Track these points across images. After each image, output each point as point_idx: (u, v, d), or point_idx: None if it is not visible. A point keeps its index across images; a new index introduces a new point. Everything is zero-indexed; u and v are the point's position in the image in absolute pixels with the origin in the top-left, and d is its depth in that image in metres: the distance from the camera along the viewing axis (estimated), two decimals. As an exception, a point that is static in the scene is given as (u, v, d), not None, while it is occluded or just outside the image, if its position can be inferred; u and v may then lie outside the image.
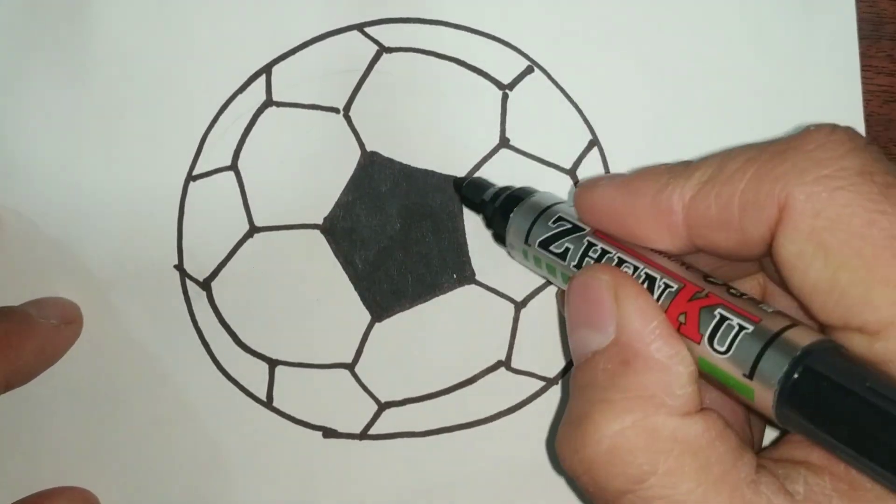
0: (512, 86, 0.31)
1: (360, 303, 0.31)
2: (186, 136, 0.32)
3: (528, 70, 0.31)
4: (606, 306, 0.22)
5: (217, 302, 0.31)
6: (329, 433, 0.31)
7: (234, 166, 0.32)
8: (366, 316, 0.31)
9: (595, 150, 0.31)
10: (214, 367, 0.31)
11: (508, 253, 0.28)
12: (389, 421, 0.31)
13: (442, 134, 0.31)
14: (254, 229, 0.31)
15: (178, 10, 0.32)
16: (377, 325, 0.31)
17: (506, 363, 0.31)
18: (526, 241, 0.26)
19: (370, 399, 0.31)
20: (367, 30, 0.32)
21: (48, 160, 0.32)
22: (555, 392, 0.31)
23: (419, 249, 0.31)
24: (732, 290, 0.21)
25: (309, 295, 0.31)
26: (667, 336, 0.21)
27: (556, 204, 0.26)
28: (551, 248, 0.25)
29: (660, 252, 0.23)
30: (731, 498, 0.20)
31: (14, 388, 0.30)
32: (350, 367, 0.31)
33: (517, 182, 0.31)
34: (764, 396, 0.19)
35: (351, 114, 0.32)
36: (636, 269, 0.23)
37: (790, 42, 0.31)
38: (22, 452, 0.31)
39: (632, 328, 0.21)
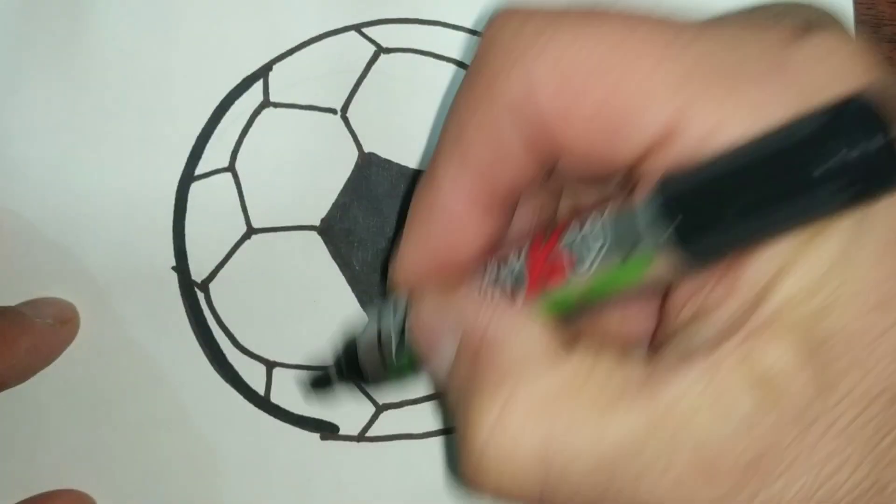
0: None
1: (358, 304, 0.31)
2: (184, 138, 0.32)
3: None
4: (435, 325, 0.21)
5: (215, 303, 0.31)
6: (327, 435, 0.31)
7: (231, 168, 0.32)
8: (364, 318, 0.31)
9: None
10: (212, 369, 0.31)
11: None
12: (387, 423, 0.31)
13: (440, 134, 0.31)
14: (251, 230, 0.31)
15: (176, 11, 0.32)
16: (375, 326, 0.31)
17: (504, 365, 0.31)
18: (386, 366, 0.24)
19: (368, 401, 0.31)
20: (364, 30, 0.32)
21: (45, 161, 0.32)
22: (553, 394, 0.31)
23: (417, 251, 0.31)
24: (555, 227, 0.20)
25: (306, 296, 0.31)
26: (502, 312, 0.20)
27: (373, 321, 0.25)
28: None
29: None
30: (634, 408, 0.18)
31: (8, 388, 0.30)
32: (348, 368, 0.31)
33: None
34: (660, 252, 0.18)
35: (348, 115, 0.31)
36: (483, 275, 0.21)
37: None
38: (18, 453, 0.31)
39: (467, 323, 0.20)
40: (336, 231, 0.31)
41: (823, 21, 0.18)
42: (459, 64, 0.31)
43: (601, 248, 0.18)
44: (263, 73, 0.32)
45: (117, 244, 0.31)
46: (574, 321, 0.20)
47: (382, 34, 0.32)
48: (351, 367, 0.26)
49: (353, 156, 0.31)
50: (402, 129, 0.31)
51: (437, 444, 0.31)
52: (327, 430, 0.31)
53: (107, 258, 0.31)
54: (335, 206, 0.31)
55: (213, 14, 0.32)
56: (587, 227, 0.19)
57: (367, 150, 0.31)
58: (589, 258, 0.19)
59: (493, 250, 0.22)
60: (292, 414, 0.31)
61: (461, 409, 0.20)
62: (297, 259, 0.31)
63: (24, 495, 0.30)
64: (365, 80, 0.32)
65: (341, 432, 0.31)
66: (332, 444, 0.31)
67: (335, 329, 0.31)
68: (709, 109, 0.17)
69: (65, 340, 0.31)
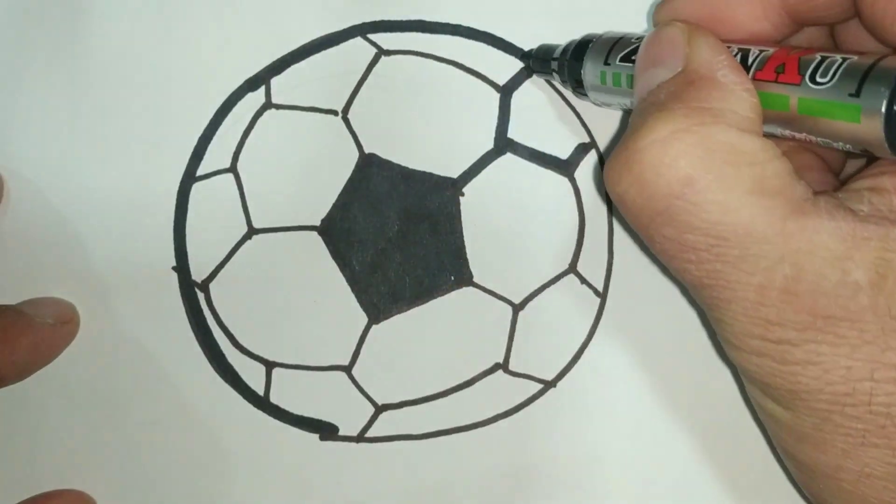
0: (510, 88, 0.31)
1: (358, 305, 0.31)
2: (185, 138, 0.32)
3: (527, 73, 0.31)
4: (678, 43, 0.22)
5: (215, 303, 0.31)
6: (326, 435, 0.31)
7: (233, 168, 0.32)
8: (363, 318, 0.31)
9: (593, 151, 0.31)
10: (212, 369, 0.31)
11: (589, 99, 0.28)
12: (387, 423, 0.31)
13: (440, 136, 0.31)
14: (252, 231, 0.31)
15: (177, 12, 0.32)
16: (374, 327, 0.31)
17: (503, 366, 0.31)
18: (605, 63, 0.26)
19: (367, 401, 0.31)
20: (365, 32, 0.32)
21: (46, 161, 0.32)
22: (553, 395, 0.30)
23: (417, 251, 0.31)
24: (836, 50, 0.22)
25: (306, 297, 0.31)
26: (733, 67, 0.21)
27: (629, 33, 0.27)
28: (633, 58, 0.25)
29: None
30: (788, 208, 0.20)
31: (8, 384, 0.30)
32: (347, 369, 0.31)
33: (517, 184, 0.31)
34: (871, 111, 0.19)
35: (349, 116, 0.32)
36: (728, 47, 0.23)
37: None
38: (18, 452, 0.31)
39: (700, 58, 0.22)
40: (336, 231, 0.31)
41: None
42: (460, 66, 0.32)
43: (832, 77, 0.20)
44: (265, 74, 0.32)
45: (118, 244, 0.31)
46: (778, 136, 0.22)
47: (383, 36, 0.32)
48: (575, 53, 0.28)
49: (354, 156, 0.31)
50: (402, 131, 0.31)
51: (436, 444, 0.30)
52: (327, 431, 0.31)
53: (107, 258, 0.31)
54: (335, 206, 0.31)
55: (214, 15, 0.32)
56: (833, 59, 0.20)
57: (367, 150, 0.31)
58: (818, 81, 0.20)
59: (759, 43, 0.23)
60: (292, 414, 0.31)
61: (646, 115, 0.21)
62: (298, 259, 0.31)
63: (25, 495, 0.30)
64: (366, 82, 0.32)
65: (341, 433, 0.31)
66: (331, 445, 0.31)
67: (335, 329, 0.31)
68: None
69: (65, 340, 0.31)
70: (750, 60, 0.22)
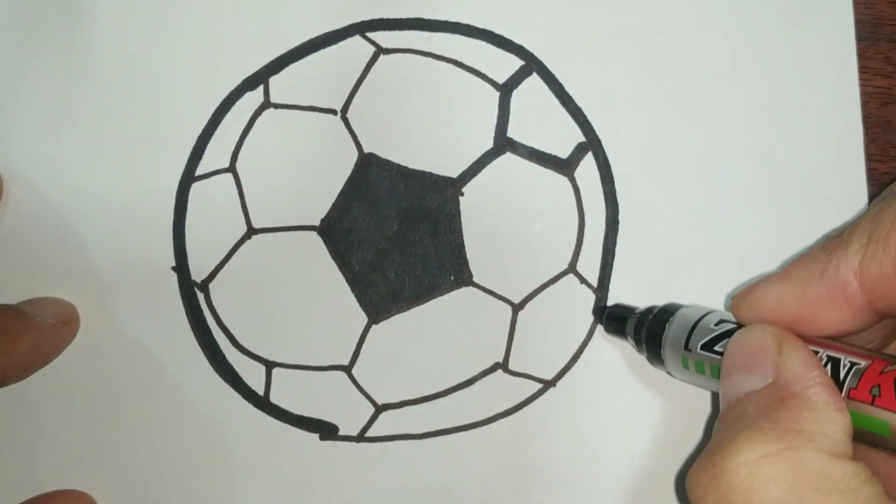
0: (510, 87, 0.31)
1: (357, 304, 0.31)
2: (184, 138, 0.32)
3: (526, 71, 0.31)
4: (768, 352, 0.22)
5: (215, 303, 0.31)
6: (326, 435, 0.31)
7: (232, 168, 0.32)
8: (363, 318, 0.31)
9: (592, 151, 0.31)
10: (212, 369, 0.31)
11: (667, 371, 0.27)
12: (387, 423, 0.31)
13: (440, 135, 0.31)
14: (252, 231, 0.31)
15: (176, 12, 0.32)
16: (374, 327, 0.31)
17: (503, 365, 0.31)
18: (686, 348, 0.25)
19: (367, 401, 0.31)
20: (364, 31, 0.32)
21: (46, 161, 0.32)
22: (552, 394, 0.30)
23: (416, 251, 0.31)
24: None
25: (306, 297, 0.31)
26: (827, 385, 0.21)
27: (710, 312, 0.26)
28: (716, 348, 0.25)
29: (836, 338, 0.23)
30: None
31: (9, 384, 0.30)
32: (347, 369, 0.31)
33: (517, 184, 0.31)
34: None
35: (348, 115, 0.32)
36: (816, 353, 0.22)
37: (788, 43, 0.31)
38: (18, 452, 0.31)
39: (792, 372, 0.21)
40: (336, 231, 0.31)
41: None
42: (458, 64, 0.31)
43: None
44: (264, 73, 0.32)
45: (117, 244, 0.31)
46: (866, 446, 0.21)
47: (382, 34, 0.32)
48: (651, 328, 0.27)
49: (353, 156, 0.31)
50: (401, 130, 0.31)
51: (435, 444, 0.31)
52: (327, 431, 0.31)
53: (107, 258, 0.31)
54: (335, 206, 0.31)
55: (213, 15, 0.32)
56: None
57: (367, 150, 0.31)
58: None
59: (844, 334, 0.23)
60: (292, 414, 0.31)
61: (734, 429, 0.21)
62: (297, 259, 0.31)
63: (25, 495, 0.30)
64: (365, 81, 0.32)
65: (341, 432, 0.31)
66: (331, 444, 0.31)
67: (335, 329, 0.31)
68: None
69: (65, 340, 0.31)
70: (842, 375, 0.21)
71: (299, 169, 0.31)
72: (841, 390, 0.21)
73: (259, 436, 0.31)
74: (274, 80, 0.32)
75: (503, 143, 0.31)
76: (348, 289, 0.31)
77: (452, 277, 0.31)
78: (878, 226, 0.21)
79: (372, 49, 0.32)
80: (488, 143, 0.31)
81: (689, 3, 0.31)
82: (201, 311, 0.31)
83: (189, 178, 0.32)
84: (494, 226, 0.31)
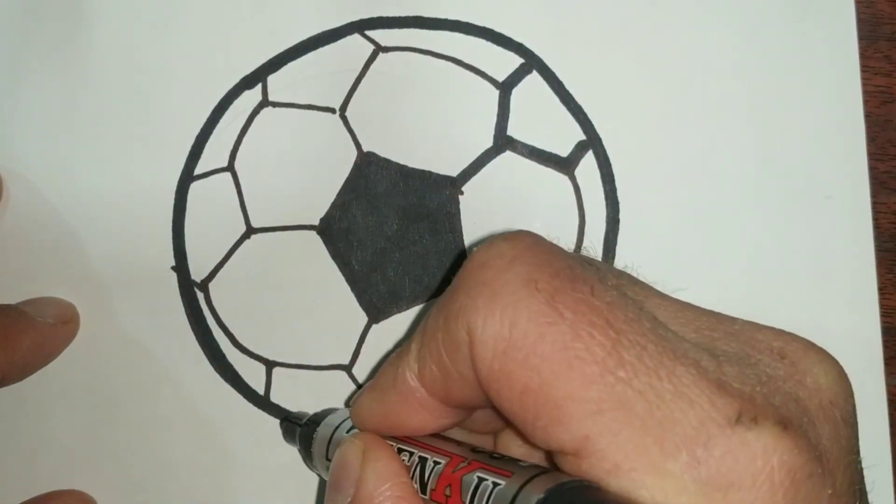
0: (509, 85, 0.31)
1: (357, 304, 0.31)
2: (183, 137, 0.32)
3: (526, 69, 0.31)
4: (352, 469, 0.22)
5: (214, 303, 0.31)
6: (327, 434, 0.31)
7: (230, 167, 0.32)
8: (363, 317, 0.31)
9: (592, 149, 0.31)
10: (212, 369, 0.31)
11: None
12: (387, 422, 0.31)
13: (439, 134, 0.31)
14: (251, 230, 0.31)
15: (175, 11, 0.32)
16: (374, 326, 0.31)
17: (503, 364, 0.31)
18: (327, 458, 0.26)
19: (368, 400, 0.31)
20: (363, 29, 0.32)
21: (45, 161, 0.32)
22: (552, 392, 0.31)
23: (416, 250, 0.31)
24: (496, 455, 0.21)
25: (306, 296, 0.31)
26: (399, 497, 0.21)
27: (345, 420, 0.26)
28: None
29: (439, 436, 0.23)
30: None
31: (9, 384, 0.30)
32: (347, 368, 0.31)
33: (517, 182, 0.31)
34: None
35: (347, 114, 0.31)
36: (411, 454, 0.23)
37: (789, 42, 0.31)
38: (18, 452, 0.31)
39: (367, 487, 0.21)
40: (335, 230, 0.31)
41: (779, 412, 0.17)
42: (458, 62, 0.31)
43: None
44: (262, 72, 0.32)
45: (117, 244, 0.31)
46: None
47: (381, 33, 0.32)
48: (302, 442, 0.28)
49: (352, 155, 0.31)
50: (400, 128, 0.31)
51: (436, 443, 0.31)
52: (327, 430, 0.31)
53: (107, 258, 0.31)
54: (334, 205, 0.31)
55: (211, 14, 0.32)
56: (486, 484, 0.20)
57: (365, 149, 0.31)
58: None
59: (440, 430, 0.23)
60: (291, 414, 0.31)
61: None
62: (297, 258, 0.31)
63: (25, 495, 0.30)
64: (364, 79, 0.31)
65: (341, 432, 0.31)
66: (331, 444, 0.31)
67: (335, 328, 0.31)
68: (612, 451, 0.17)
69: (65, 339, 0.31)
70: (426, 475, 0.22)
71: (298, 168, 0.31)
72: (425, 491, 0.21)
73: (259, 435, 0.31)
74: (272, 79, 0.32)
75: (503, 142, 0.31)
76: (348, 288, 0.31)
77: (452, 277, 0.31)
78: (425, 331, 0.21)
79: (371, 47, 0.31)
80: (488, 142, 0.31)
81: (690, 1, 0.31)
82: (201, 310, 0.31)
83: (188, 177, 0.32)
84: (495, 224, 0.31)
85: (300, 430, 0.28)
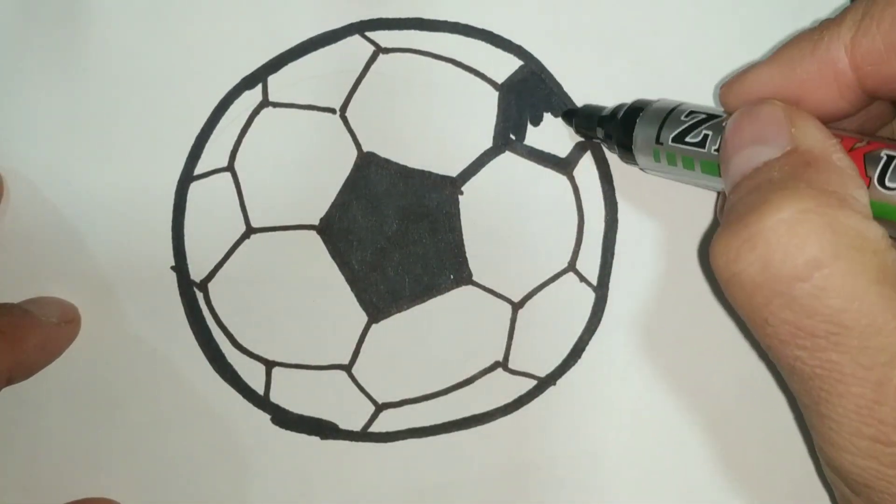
0: (509, 86, 0.31)
1: (357, 304, 0.31)
2: (183, 137, 0.32)
3: (525, 70, 0.31)
4: (782, 123, 0.21)
5: (214, 303, 0.31)
6: (327, 434, 0.31)
7: (230, 167, 0.32)
8: (363, 317, 0.31)
9: (591, 150, 0.31)
10: (211, 369, 0.31)
11: (639, 166, 0.28)
12: (387, 422, 0.31)
13: (439, 134, 0.31)
14: (250, 230, 0.31)
15: (175, 11, 0.32)
16: (374, 326, 0.31)
17: (503, 364, 0.31)
18: (657, 141, 0.25)
19: (367, 400, 0.31)
20: (363, 30, 0.32)
21: (45, 161, 0.32)
22: (552, 392, 0.31)
23: (416, 250, 0.31)
24: (893, 139, 0.21)
25: (306, 296, 0.31)
26: (844, 156, 0.21)
27: (679, 105, 0.26)
28: (687, 139, 0.25)
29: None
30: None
31: (15, 383, 0.30)
32: (347, 368, 0.31)
33: (516, 183, 0.31)
34: None
35: (347, 114, 0.32)
36: None
37: (786, 42, 0.31)
38: (19, 452, 0.31)
39: (812, 139, 0.21)
40: (335, 230, 0.31)
41: None
42: (458, 64, 0.31)
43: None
44: (262, 72, 0.32)
45: (117, 244, 0.31)
46: None
47: (381, 34, 0.32)
48: (621, 124, 0.27)
49: (352, 155, 0.31)
50: (400, 129, 0.31)
51: (435, 442, 0.31)
52: (327, 430, 0.31)
53: (106, 258, 0.31)
54: (334, 205, 0.31)
55: (211, 14, 0.32)
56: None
57: (366, 149, 0.31)
58: (888, 186, 0.20)
59: (833, 118, 0.22)
60: (292, 413, 0.31)
61: (763, 193, 0.20)
62: (296, 259, 0.31)
63: (25, 495, 0.30)
64: (364, 80, 0.32)
65: (341, 431, 0.31)
66: (331, 444, 0.31)
67: (335, 328, 0.31)
68: None
69: (68, 339, 0.31)
70: None
71: (298, 168, 0.31)
72: None
73: (259, 435, 0.31)
74: (272, 79, 0.32)
75: (502, 142, 0.31)
76: (348, 288, 0.31)
77: (452, 276, 0.31)
78: (874, 2, 0.21)
79: (371, 48, 0.32)
80: (487, 142, 0.31)
81: (688, 2, 0.31)
82: (200, 310, 0.31)
83: (188, 177, 0.32)
84: (494, 224, 0.31)
85: (607, 117, 0.28)
